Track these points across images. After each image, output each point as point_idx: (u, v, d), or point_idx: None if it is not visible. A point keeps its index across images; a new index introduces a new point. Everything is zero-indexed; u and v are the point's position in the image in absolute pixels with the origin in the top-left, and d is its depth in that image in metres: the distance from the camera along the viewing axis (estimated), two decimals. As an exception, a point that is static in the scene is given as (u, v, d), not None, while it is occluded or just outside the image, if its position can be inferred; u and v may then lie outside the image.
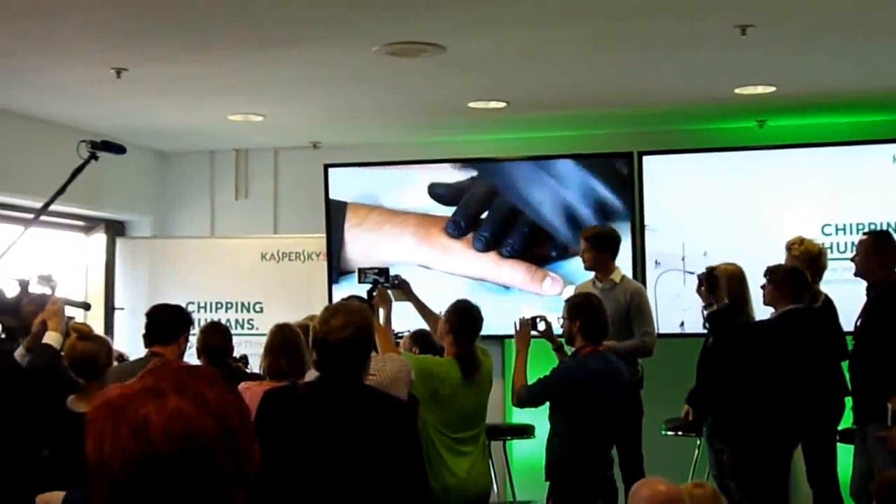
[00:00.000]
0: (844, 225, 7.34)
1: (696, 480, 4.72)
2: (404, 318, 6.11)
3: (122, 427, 1.28)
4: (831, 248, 7.09)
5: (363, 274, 5.90)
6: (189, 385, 1.32)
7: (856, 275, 6.02)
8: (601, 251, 6.37)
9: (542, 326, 5.85)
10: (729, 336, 5.92)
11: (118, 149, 4.96)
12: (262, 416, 3.45)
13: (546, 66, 6.46)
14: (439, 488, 4.97)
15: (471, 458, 5.19)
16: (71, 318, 4.63)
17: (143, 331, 5.02)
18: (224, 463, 1.30)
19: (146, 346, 4.97)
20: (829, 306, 6.24)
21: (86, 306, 4.52)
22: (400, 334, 6.14)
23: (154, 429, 1.27)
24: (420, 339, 6.13)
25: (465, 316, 5.28)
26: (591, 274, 6.48)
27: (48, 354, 4.34)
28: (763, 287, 6.02)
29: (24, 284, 4.70)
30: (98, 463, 1.28)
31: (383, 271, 5.87)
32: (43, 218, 8.14)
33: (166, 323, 4.95)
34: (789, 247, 6.33)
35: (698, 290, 6.03)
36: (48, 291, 4.51)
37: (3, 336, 4.46)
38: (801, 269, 6.09)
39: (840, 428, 6.21)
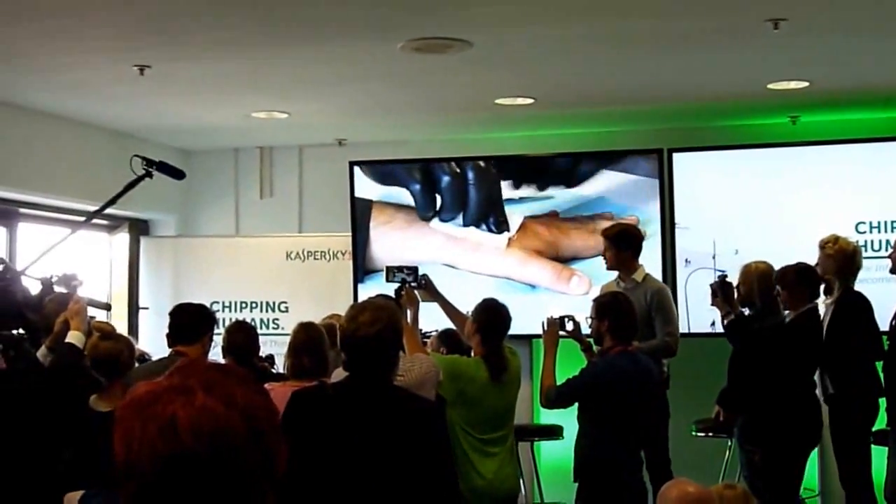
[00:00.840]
0: (879, 222, 7.21)
1: (727, 482, 4.63)
2: (430, 318, 6.03)
3: (150, 425, 1.27)
4: (865, 246, 6.96)
5: (391, 272, 5.82)
6: (217, 383, 1.31)
7: (892, 272, 5.93)
8: (622, 250, 6.24)
9: (570, 326, 5.78)
10: (749, 343, 5.85)
11: (177, 174, 4.88)
12: (289, 416, 3.40)
13: (574, 61, 6.37)
14: (466, 489, 4.89)
15: (498, 459, 5.11)
16: (92, 318, 4.59)
17: (166, 330, 4.98)
18: (252, 462, 1.29)
19: (170, 345, 4.94)
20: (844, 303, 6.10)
21: (107, 307, 4.47)
22: (427, 334, 6.07)
23: (182, 426, 1.26)
24: (448, 339, 6.05)
25: (492, 315, 5.20)
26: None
27: (71, 354, 4.29)
28: (777, 294, 5.92)
29: (46, 283, 4.65)
30: (126, 461, 1.28)
31: (412, 270, 5.79)
32: (66, 217, 8.18)
33: (189, 322, 4.91)
34: (823, 245, 6.19)
35: (713, 302, 5.96)
36: (70, 291, 4.47)
37: (25, 336, 4.41)
38: (809, 265, 5.96)
39: (874, 429, 6.10)
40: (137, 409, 1.29)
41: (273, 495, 1.32)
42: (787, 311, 5.98)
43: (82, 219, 8.22)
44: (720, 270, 7.11)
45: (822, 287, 5.99)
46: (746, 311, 6.14)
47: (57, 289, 4.61)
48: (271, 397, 4.20)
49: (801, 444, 5.87)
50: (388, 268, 5.92)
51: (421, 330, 5.65)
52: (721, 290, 5.91)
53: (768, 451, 5.85)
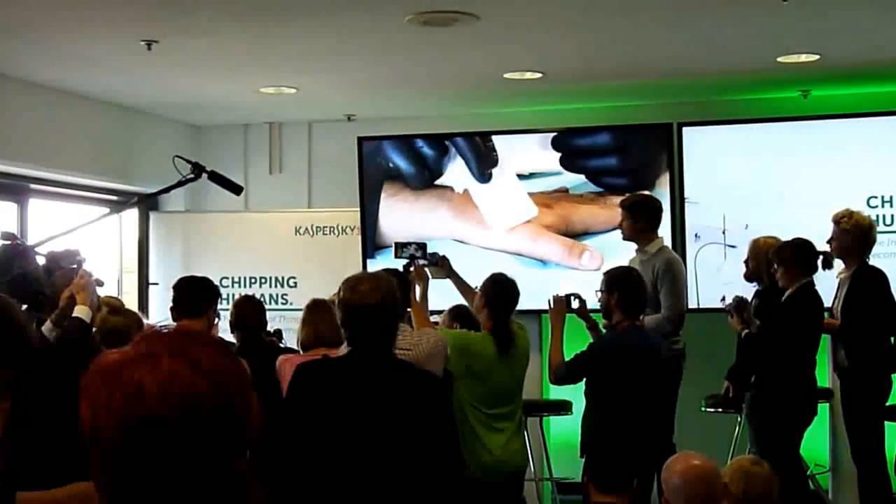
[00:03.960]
0: (891, 197, 7.16)
1: (754, 457, 4.55)
2: (438, 295, 6.01)
3: (117, 392, 1.26)
4: (877, 220, 6.89)
5: (400, 248, 5.82)
6: (183, 348, 1.30)
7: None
8: (635, 221, 6.18)
9: (575, 304, 5.77)
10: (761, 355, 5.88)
11: (234, 187, 4.94)
12: (295, 388, 3.40)
13: (582, 35, 6.33)
14: (475, 465, 4.88)
15: (506, 434, 5.11)
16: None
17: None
18: (221, 426, 1.28)
19: (174, 319, 4.95)
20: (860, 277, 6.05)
21: (100, 283, 4.46)
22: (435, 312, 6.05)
23: (149, 392, 1.25)
24: (460, 315, 6.03)
25: (501, 289, 5.19)
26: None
27: (78, 328, 4.27)
28: (773, 271, 5.86)
29: (52, 259, 4.64)
30: (93, 429, 1.27)
31: (421, 246, 5.79)
32: (76, 193, 8.18)
33: (191, 295, 4.92)
34: (838, 220, 6.09)
35: (730, 323, 6.03)
36: (74, 266, 4.45)
37: (27, 308, 4.39)
38: (806, 241, 5.89)
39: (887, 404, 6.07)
40: (104, 376, 1.28)
41: (244, 461, 1.31)
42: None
43: (92, 195, 8.28)
44: (731, 245, 7.10)
45: (819, 261, 5.90)
46: (754, 286, 6.13)
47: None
48: (286, 368, 4.21)
49: (793, 418, 5.81)
50: (396, 244, 5.94)
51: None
52: (736, 310, 5.99)
53: (762, 424, 5.82)
